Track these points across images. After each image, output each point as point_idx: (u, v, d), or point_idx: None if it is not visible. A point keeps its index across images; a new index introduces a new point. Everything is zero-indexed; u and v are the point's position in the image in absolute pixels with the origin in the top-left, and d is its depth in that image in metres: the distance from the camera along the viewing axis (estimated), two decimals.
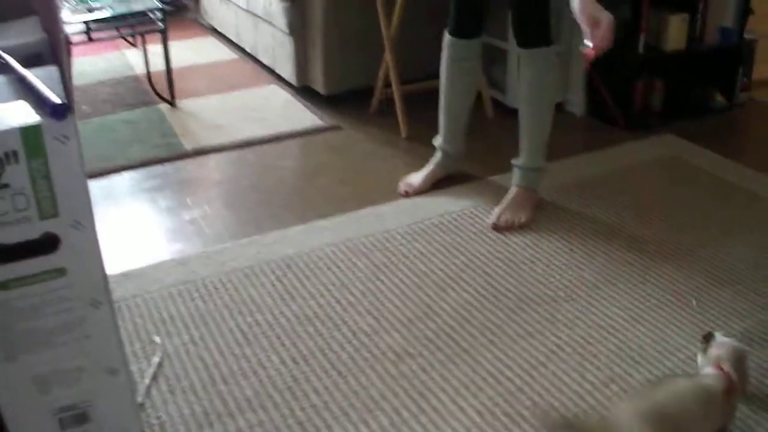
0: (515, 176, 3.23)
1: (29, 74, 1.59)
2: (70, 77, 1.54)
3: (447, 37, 3.27)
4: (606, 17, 2.56)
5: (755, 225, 3.11)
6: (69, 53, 1.53)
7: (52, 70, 1.68)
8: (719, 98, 4.42)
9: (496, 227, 3.09)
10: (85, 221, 1.51)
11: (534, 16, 3.00)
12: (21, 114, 1.44)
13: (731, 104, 4.44)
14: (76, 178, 1.48)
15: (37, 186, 1.44)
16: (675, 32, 4.10)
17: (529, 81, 3.09)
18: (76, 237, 1.51)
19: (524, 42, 3.04)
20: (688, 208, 3.22)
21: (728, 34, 4.30)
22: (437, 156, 3.49)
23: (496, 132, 4.03)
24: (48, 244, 1.49)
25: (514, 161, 3.23)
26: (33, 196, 1.44)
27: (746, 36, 4.36)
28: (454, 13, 3.22)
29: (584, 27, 2.59)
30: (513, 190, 3.22)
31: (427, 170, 3.48)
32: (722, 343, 2.12)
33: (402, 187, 3.44)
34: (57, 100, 1.43)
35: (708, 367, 2.07)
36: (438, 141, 3.48)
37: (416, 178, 3.46)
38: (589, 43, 2.58)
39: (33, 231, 1.47)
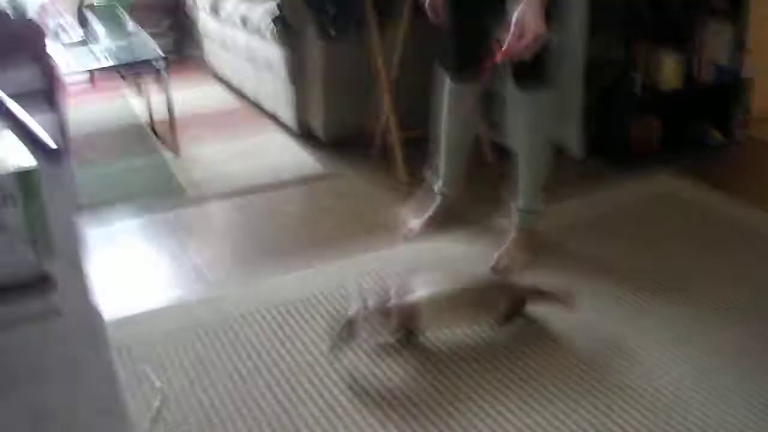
0: (513, 219, 3.23)
1: (26, 117, 1.62)
2: (65, 122, 1.57)
3: (447, 83, 3.28)
4: (533, 30, 2.59)
5: (753, 260, 3.13)
6: (65, 98, 1.57)
7: (47, 116, 1.71)
8: (716, 135, 4.44)
9: (495, 271, 3.08)
10: (79, 263, 1.53)
11: (534, 57, 2.95)
12: (18, 157, 1.47)
13: (728, 141, 4.47)
14: (70, 220, 1.51)
15: (33, 228, 1.47)
16: (670, 71, 4.14)
17: (525, 124, 3.09)
18: (71, 278, 1.53)
19: (521, 84, 3.01)
20: (685, 245, 3.23)
21: (724, 71, 4.34)
22: (437, 200, 3.50)
23: (494, 175, 4.04)
24: (42, 285, 1.52)
25: (512, 204, 3.22)
26: (28, 238, 1.47)
27: (743, 74, 4.39)
28: (452, 58, 3.23)
29: (512, 29, 2.62)
30: (512, 234, 3.22)
31: (427, 214, 3.49)
32: None
33: (403, 231, 3.45)
34: (52, 145, 1.46)
35: None
36: (438, 185, 3.49)
37: (417, 221, 3.48)
38: (505, 43, 2.65)
39: (29, 272, 1.50)
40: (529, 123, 3.08)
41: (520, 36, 2.61)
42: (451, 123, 3.34)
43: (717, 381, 2.41)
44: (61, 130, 1.59)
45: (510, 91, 3.04)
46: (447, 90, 3.30)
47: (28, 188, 1.45)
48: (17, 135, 1.58)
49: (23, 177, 1.44)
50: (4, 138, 1.53)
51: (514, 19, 2.61)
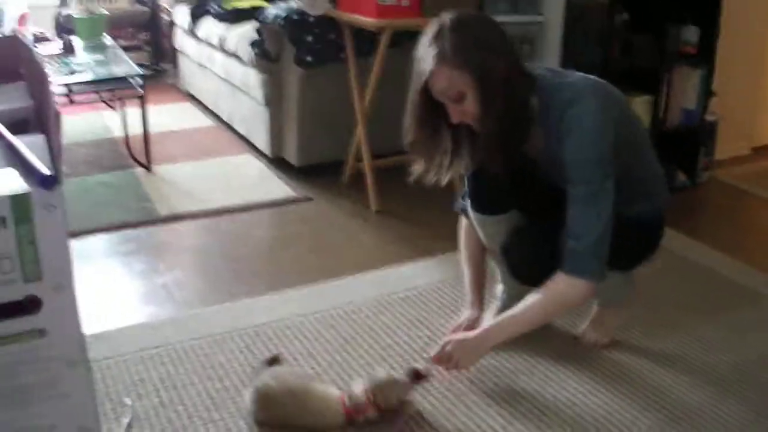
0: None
1: (18, 142, 1.67)
2: (59, 146, 1.62)
3: (470, 212, 2.81)
4: (463, 367, 2.60)
5: (711, 300, 3.22)
6: (59, 123, 1.62)
7: (38, 139, 1.76)
8: (681, 177, 4.55)
9: (580, 342, 2.91)
10: (66, 284, 1.58)
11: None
12: (10, 181, 1.52)
13: (693, 183, 4.57)
14: (60, 244, 1.56)
15: (23, 251, 1.52)
16: (639, 113, 4.22)
17: None
18: (58, 299, 1.58)
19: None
20: (647, 283, 3.29)
21: (691, 115, 4.46)
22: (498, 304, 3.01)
23: None
24: (30, 305, 1.56)
25: None
26: (18, 260, 1.52)
27: (708, 117, 4.52)
28: (474, 189, 2.76)
29: (445, 352, 2.56)
30: (596, 308, 2.97)
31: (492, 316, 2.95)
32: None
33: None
34: (46, 171, 1.51)
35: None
36: (499, 292, 3.02)
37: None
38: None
39: (16, 293, 1.54)
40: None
41: (450, 364, 2.58)
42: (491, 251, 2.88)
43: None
44: (54, 154, 1.64)
45: None
46: (473, 220, 2.82)
47: (20, 212, 1.50)
48: (10, 158, 1.63)
49: (16, 201, 1.49)
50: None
51: (449, 346, 2.56)
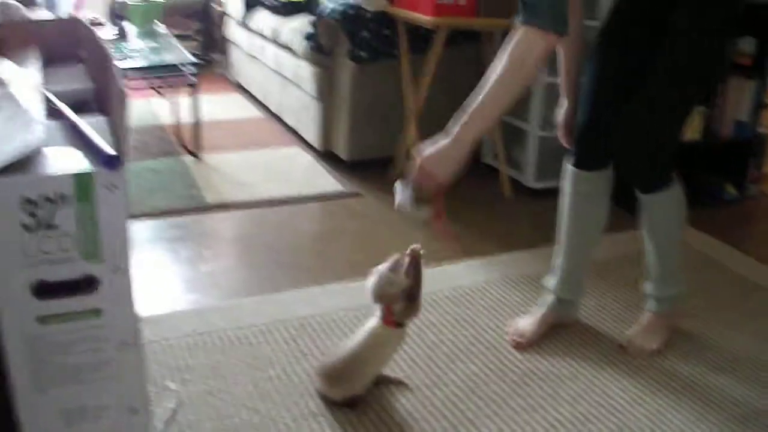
0: (647, 301, 2.99)
1: (82, 122, 1.68)
2: (126, 128, 1.62)
3: (569, 169, 2.84)
4: (437, 180, 2.36)
5: (758, 315, 3.19)
6: (125, 104, 1.62)
7: (100, 120, 1.77)
8: (730, 189, 4.51)
9: (626, 352, 2.88)
10: (124, 266, 1.59)
11: (651, 160, 2.69)
12: (74, 160, 1.52)
13: (742, 196, 4.54)
14: (120, 225, 1.56)
15: (83, 229, 1.52)
16: (693, 124, 4.21)
17: (652, 221, 2.85)
18: (115, 280, 1.58)
19: (642, 189, 2.76)
20: (694, 296, 3.27)
21: (743, 127, 4.42)
22: (548, 300, 3.00)
23: (512, 211, 4.10)
24: (88, 285, 1.57)
25: (645, 284, 2.99)
26: (78, 238, 1.52)
27: (759, 130, 4.48)
28: (578, 141, 2.79)
29: (417, 170, 2.37)
30: (647, 315, 2.98)
31: (538, 314, 2.99)
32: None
33: (513, 336, 2.92)
34: (111, 151, 1.51)
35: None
36: (550, 283, 3.01)
37: (527, 325, 2.95)
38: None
39: (75, 271, 1.55)
40: (657, 220, 2.85)
41: (424, 180, 2.37)
42: (576, 216, 2.91)
43: None
44: (117, 135, 1.64)
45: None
46: (569, 176, 2.86)
47: (83, 190, 1.50)
48: (73, 137, 1.64)
49: (79, 179, 1.49)
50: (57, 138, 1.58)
51: (419, 160, 2.35)
